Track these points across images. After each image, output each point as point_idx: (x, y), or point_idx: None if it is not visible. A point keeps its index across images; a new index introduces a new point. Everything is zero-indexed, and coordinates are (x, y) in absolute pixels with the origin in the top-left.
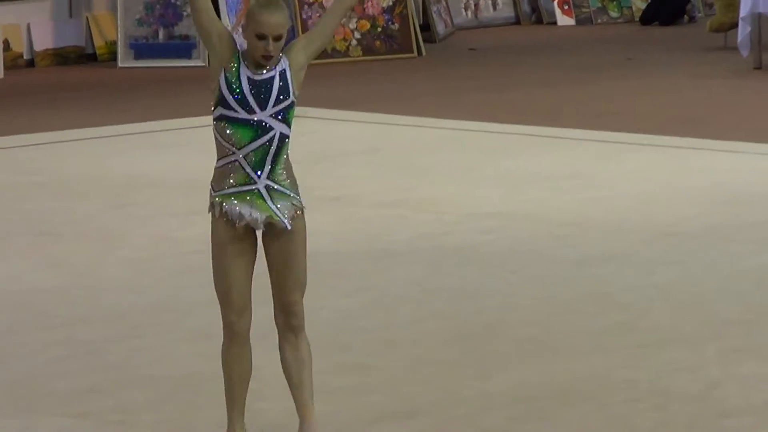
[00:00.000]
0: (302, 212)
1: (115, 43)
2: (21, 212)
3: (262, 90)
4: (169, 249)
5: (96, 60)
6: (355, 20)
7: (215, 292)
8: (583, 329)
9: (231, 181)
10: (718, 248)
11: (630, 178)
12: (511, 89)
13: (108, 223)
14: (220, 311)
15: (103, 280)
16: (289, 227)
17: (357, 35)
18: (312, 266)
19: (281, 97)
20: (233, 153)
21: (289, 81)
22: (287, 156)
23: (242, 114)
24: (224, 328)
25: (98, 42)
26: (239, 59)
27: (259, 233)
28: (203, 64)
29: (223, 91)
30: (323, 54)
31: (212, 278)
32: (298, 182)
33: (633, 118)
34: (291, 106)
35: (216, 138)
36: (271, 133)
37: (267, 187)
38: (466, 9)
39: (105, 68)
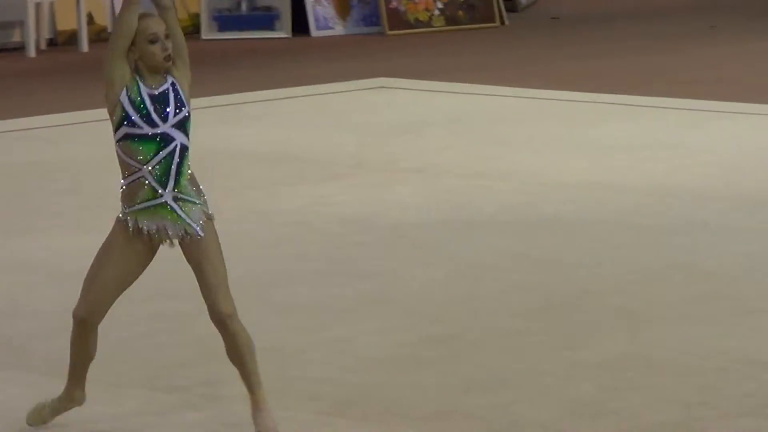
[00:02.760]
0: (210, 218)
1: (198, 15)
2: (106, 187)
3: (161, 103)
4: (255, 221)
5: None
6: None
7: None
8: (670, 298)
9: (139, 197)
10: None
11: (716, 145)
12: (594, 58)
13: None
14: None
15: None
16: (201, 235)
17: (439, 5)
18: (398, 237)
19: (178, 108)
20: (139, 170)
21: (181, 93)
22: (189, 166)
23: (146, 129)
24: (75, 312)
25: (182, 14)
26: (136, 79)
27: (166, 247)
28: (286, 36)
29: (129, 111)
30: (406, 24)
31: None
32: (203, 189)
33: (718, 85)
34: (188, 117)
35: (121, 158)
36: (173, 144)
37: (174, 198)
38: None
39: (189, 40)
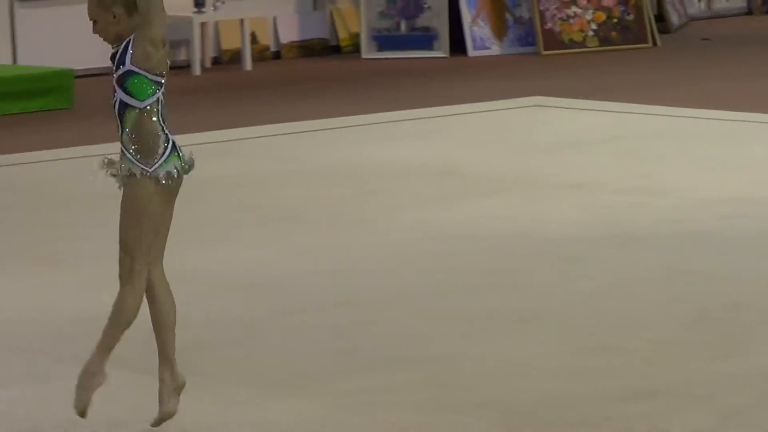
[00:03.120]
0: (138, 176)
1: (358, 35)
2: (273, 199)
3: (115, 63)
4: (414, 235)
5: (340, 52)
6: (591, 12)
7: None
8: None
9: None
10: None
11: None
12: (747, 78)
13: (357, 210)
14: None
15: (353, 264)
16: (120, 188)
17: (593, 26)
18: (556, 251)
19: (116, 67)
20: None
21: (128, 52)
22: (138, 126)
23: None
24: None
25: (342, 34)
26: None
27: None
28: (444, 55)
29: None
30: (561, 44)
31: None
32: (162, 151)
33: None
34: (126, 74)
35: None
36: (114, 97)
37: (121, 149)
38: (698, 0)
39: (349, 60)
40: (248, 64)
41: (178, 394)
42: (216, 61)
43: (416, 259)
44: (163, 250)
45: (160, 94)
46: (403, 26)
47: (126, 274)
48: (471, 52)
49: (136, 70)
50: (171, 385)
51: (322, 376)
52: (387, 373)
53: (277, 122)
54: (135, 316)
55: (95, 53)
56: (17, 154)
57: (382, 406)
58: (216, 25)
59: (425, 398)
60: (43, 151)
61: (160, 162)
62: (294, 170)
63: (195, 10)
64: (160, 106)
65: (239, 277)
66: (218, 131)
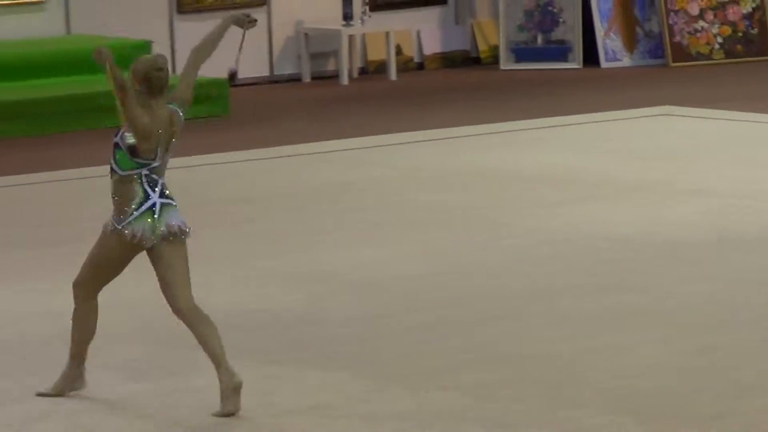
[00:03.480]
0: (108, 230)
1: (497, 47)
2: (409, 203)
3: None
4: (540, 237)
5: (480, 63)
6: (717, 26)
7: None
8: None
9: None
10: None
11: None
12: None
13: (485, 213)
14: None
15: (477, 265)
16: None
17: (719, 39)
18: (673, 253)
19: (114, 135)
20: None
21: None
22: (117, 188)
23: None
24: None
25: (482, 46)
26: None
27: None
28: (578, 67)
29: None
30: (688, 57)
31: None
32: (131, 212)
33: None
34: (115, 145)
35: None
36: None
37: None
38: None
39: (488, 70)
40: (393, 74)
41: (237, 394)
42: (363, 71)
43: (538, 260)
44: (187, 292)
45: (145, 170)
46: (539, 39)
47: (74, 298)
48: (603, 64)
49: (121, 145)
50: (229, 385)
51: (450, 369)
52: (509, 367)
53: (420, 129)
54: (83, 323)
55: (247, 64)
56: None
57: (506, 399)
58: (363, 37)
59: (544, 392)
60: (204, 156)
61: (128, 220)
62: (420, 177)
63: (344, 23)
64: (144, 178)
65: (367, 276)
66: (364, 137)
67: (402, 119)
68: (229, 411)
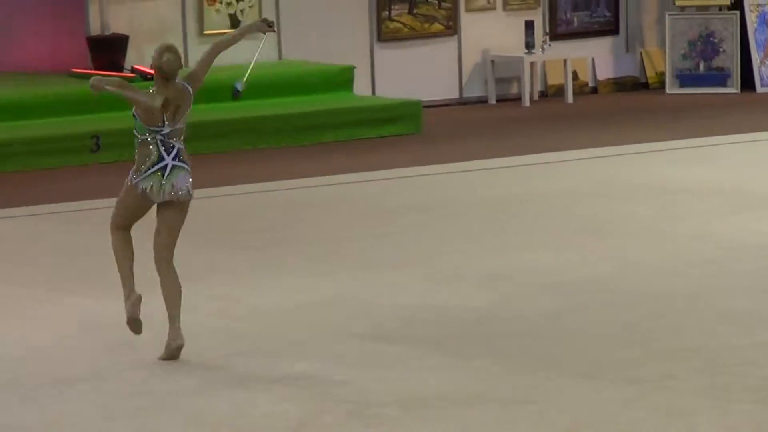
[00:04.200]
0: (129, 182)
1: (663, 73)
2: (587, 211)
3: None
4: (703, 244)
5: (647, 88)
6: None
7: None
8: None
9: None
10: None
11: None
12: None
13: (650, 222)
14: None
15: (647, 268)
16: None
17: None
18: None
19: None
20: None
21: None
22: (138, 149)
23: None
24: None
25: (650, 72)
26: None
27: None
28: (735, 91)
29: None
30: None
31: None
32: (145, 170)
33: None
34: (133, 116)
35: None
36: None
37: None
38: None
39: (655, 94)
40: (570, 97)
41: (176, 352)
42: (542, 95)
43: (702, 264)
44: (168, 249)
45: (159, 135)
46: (701, 66)
47: (110, 229)
48: (759, 89)
49: (136, 116)
50: (171, 344)
51: (623, 363)
52: (675, 361)
53: (595, 146)
54: (120, 250)
55: (439, 87)
56: (375, 172)
57: (674, 390)
58: (543, 64)
59: (708, 384)
60: (395, 170)
61: (142, 177)
62: (607, 188)
63: (526, 51)
64: (159, 142)
65: (549, 277)
66: (544, 153)
67: (578, 137)
68: (163, 358)
